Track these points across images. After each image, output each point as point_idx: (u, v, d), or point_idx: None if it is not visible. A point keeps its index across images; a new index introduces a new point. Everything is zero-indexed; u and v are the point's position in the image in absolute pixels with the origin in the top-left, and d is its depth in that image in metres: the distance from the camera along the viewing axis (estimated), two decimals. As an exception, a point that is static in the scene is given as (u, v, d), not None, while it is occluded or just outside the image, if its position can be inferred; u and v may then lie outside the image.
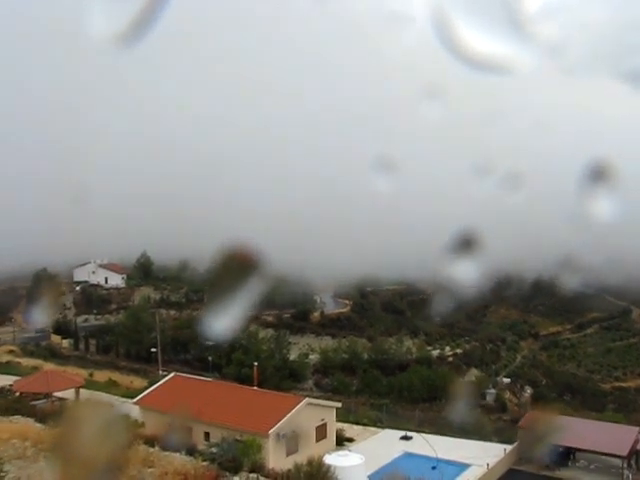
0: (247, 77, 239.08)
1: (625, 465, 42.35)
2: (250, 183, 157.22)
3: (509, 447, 45.08)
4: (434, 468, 39.45)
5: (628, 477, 42.15)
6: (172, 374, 51.73)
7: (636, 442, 43.51)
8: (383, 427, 52.40)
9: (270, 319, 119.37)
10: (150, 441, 29.32)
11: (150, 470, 24.74)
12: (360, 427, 51.57)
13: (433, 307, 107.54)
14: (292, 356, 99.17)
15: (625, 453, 41.96)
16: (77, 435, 3.31)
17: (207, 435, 39.24)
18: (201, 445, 34.31)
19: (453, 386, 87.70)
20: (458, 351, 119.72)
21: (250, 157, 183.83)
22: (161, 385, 48.26)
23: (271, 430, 37.92)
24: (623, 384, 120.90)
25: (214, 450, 31.48)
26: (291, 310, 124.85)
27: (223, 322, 3.69)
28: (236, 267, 3.76)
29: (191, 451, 29.90)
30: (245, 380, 62.38)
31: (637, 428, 46.76)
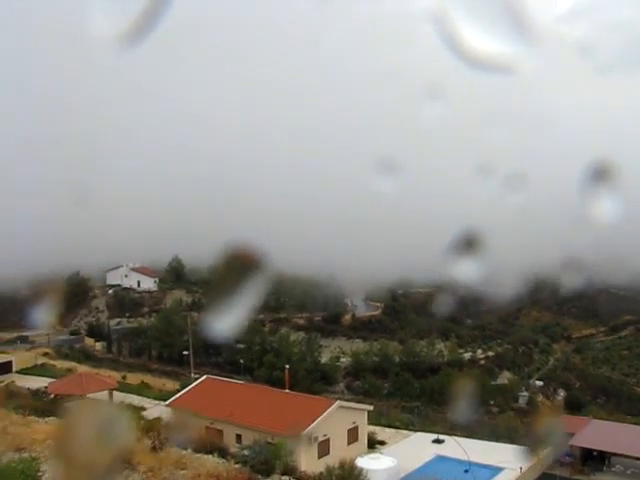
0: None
1: (661, 470, 41.75)
2: (277, 186, 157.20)
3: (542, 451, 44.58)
4: (467, 471, 39.20)
5: None
6: (204, 377, 52.01)
7: (673, 447, 42.82)
8: (415, 430, 52.18)
9: (301, 322, 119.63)
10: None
11: (183, 472, 24.91)
12: (392, 430, 51.40)
13: (462, 308, 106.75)
14: (323, 359, 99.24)
15: (662, 458, 41.37)
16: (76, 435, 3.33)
17: (239, 437, 39.40)
18: (233, 447, 34.43)
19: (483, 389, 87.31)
20: (490, 354, 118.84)
21: (274, 159, 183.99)
22: (193, 388, 48.57)
23: (303, 433, 37.96)
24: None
25: (246, 452, 31.54)
26: (322, 313, 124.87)
27: (226, 322, 3.72)
28: (238, 267, 3.77)
29: (223, 453, 30.02)
30: (276, 383, 62.55)
31: (674, 433, 46.09)
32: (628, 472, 43.43)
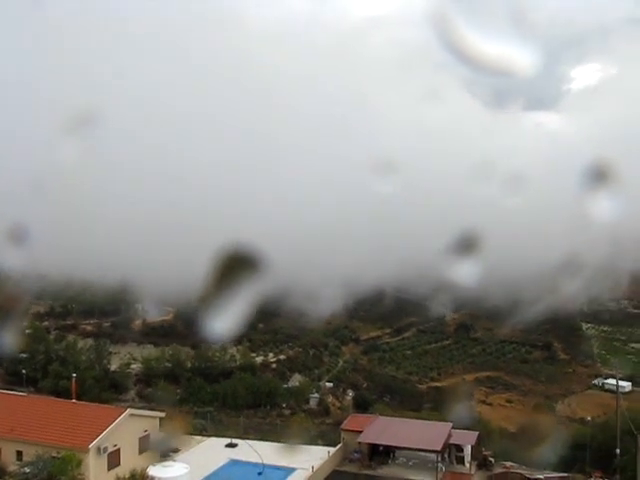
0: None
1: (439, 459, 44.53)
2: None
3: (333, 449, 46.05)
4: (260, 474, 39.51)
5: (442, 469, 44.42)
6: (-20, 390, 48.24)
7: (449, 437, 45.86)
8: (208, 435, 51.82)
9: (90, 328, 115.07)
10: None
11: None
12: (185, 436, 50.61)
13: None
14: (113, 366, 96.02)
15: (439, 448, 44.10)
16: None
17: (20, 454, 36.82)
18: (12, 465, 32.11)
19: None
20: (282, 357, 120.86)
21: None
22: (-33, 402, 44.78)
23: (91, 444, 36.24)
24: (438, 384, 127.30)
25: (27, 469, 29.53)
26: (112, 318, 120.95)
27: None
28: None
29: (1, 473, 27.81)
30: (63, 393, 59.51)
31: (450, 424, 49.36)
32: (410, 463, 45.99)
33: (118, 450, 38.57)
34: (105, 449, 37.20)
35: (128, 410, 42.37)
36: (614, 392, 66.69)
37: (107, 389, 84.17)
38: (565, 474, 48.23)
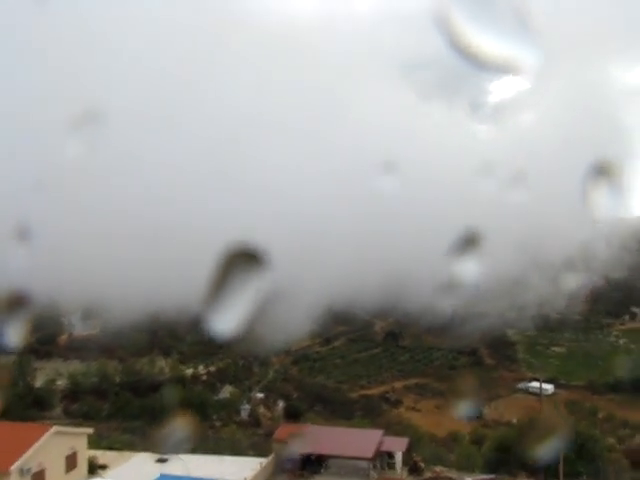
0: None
1: (371, 466, 44.96)
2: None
3: (265, 460, 45.90)
4: (192, 488, 39.05)
5: (373, 476, 44.85)
6: None
7: (380, 444, 46.34)
8: (138, 451, 50.93)
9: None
10: None
11: None
12: (114, 452, 49.67)
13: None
14: (38, 383, 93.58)
15: (371, 455, 44.56)
16: None
17: None
18: None
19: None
20: (212, 369, 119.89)
21: None
22: None
23: (13, 466, 35.07)
24: (368, 392, 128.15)
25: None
26: (36, 334, 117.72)
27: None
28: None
29: None
30: (-17, 413, 57.60)
31: (381, 431, 49.91)
32: (342, 472, 46.24)
33: (43, 471, 37.51)
34: (29, 470, 36.07)
35: (53, 428, 41.26)
36: (538, 395, 68.53)
37: (31, 406, 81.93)
38: (492, 476, 49.27)
